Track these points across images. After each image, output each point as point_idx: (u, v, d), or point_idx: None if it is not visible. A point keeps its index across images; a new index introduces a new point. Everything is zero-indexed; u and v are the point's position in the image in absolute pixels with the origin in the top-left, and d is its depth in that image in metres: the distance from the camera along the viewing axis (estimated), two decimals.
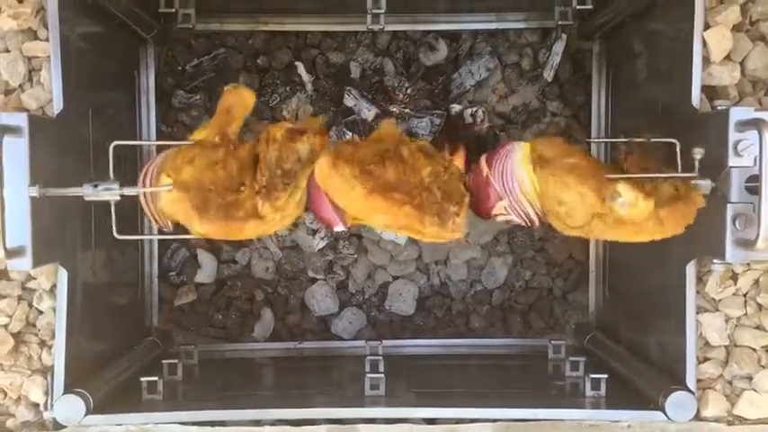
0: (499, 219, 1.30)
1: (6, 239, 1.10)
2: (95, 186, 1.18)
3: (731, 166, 1.17)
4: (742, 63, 1.34)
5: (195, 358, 1.69)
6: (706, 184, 1.20)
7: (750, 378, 1.36)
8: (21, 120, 1.14)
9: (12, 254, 1.13)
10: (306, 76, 1.83)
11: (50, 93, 1.27)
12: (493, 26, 1.82)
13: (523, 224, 1.30)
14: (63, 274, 1.28)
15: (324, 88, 1.84)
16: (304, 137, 1.20)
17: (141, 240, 1.75)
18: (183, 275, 1.85)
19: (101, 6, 1.43)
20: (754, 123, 1.13)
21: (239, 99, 1.24)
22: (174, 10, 1.59)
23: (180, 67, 1.84)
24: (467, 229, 1.83)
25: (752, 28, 1.35)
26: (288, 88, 1.84)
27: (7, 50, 1.32)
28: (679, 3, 1.34)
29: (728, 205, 1.17)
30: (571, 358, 1.56)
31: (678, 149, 1.21)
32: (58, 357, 1.29)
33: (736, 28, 1.33)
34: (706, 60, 1.30)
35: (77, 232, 1.35)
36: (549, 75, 1.84)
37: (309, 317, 1.86)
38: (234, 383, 1.62)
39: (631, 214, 1.18)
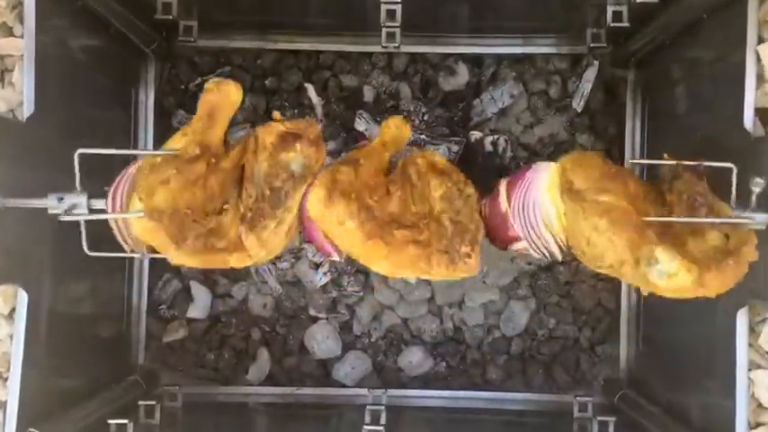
0: (515, 247, 1.16)
1: None
2: (61, 199, 1.07)
3: None
4: None
5: (179, 401, 1.56)
6: (763, 219, 1.06)
7: None
8: None
9: None
10: (315, 99, 1.72)
11: (21, 95, 1.16)
12: (519, 50, 1.71)
13: (543, 259, 1.16)
14: (23, 297, 1.15)
15: (335, 113, 1.73)
16: (297, 145, 1.07)
17: (130, 269, 1.63)
18: (174, 309, 1.72)
19: (91, 10, 1.33)
20: None
21: (224, 98, 1.10)
22: (171, 17, 1.50)
23: (183, 86, 1.74)
24: (483, 267, 1.70)
25: None
26: (296, 111, 1.73)
27: None
28: (727, 17, 1.22)
29: None
30: (599, 418, 1.48)
31: (735, 176, 1.06)
32: (11, 392, 1.15)
33: None
34: (760, 78, 1.17)
35: (45, 253, 1.23)
36: (579, 104, 1.71)
37: (309, 360, 1.72)
38: (222, 430, 1.50)
39: (669, 285, 1.04)
